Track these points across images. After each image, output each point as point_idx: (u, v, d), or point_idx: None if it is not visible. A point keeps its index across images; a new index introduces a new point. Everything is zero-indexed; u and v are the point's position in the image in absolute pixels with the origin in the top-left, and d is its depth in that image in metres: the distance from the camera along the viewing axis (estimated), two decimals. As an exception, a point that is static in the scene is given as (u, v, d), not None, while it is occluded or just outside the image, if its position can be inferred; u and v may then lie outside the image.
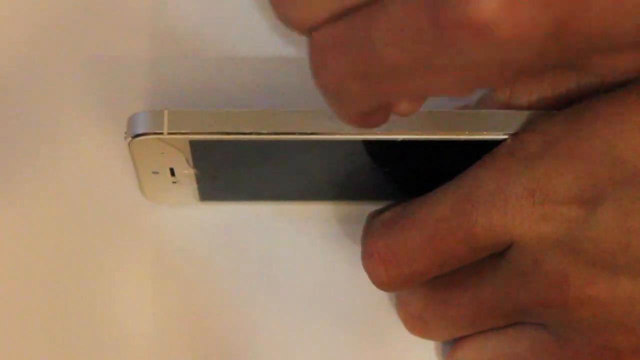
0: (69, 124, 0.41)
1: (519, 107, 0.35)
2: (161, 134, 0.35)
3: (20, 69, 0.42)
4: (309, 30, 0.30)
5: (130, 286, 0.39)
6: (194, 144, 0.35)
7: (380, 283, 0.36)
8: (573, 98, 0.35)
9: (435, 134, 0.35)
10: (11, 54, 0.42)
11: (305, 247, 0.40)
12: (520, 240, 0.34)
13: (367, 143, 0.35)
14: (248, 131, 0.35)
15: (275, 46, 0.42)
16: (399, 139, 0.35)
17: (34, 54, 0.42)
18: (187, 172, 0.37)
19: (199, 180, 0.38)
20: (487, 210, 0.34)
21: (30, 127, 0.41)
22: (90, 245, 0.40)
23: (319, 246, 0.40)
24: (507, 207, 0.33)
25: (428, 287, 0.36)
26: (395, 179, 0.38)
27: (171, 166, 0.37)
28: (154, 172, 0.37)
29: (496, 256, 0.35)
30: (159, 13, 0.43)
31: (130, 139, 0.35)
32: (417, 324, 0.37)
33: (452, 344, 0.38)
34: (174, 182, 0.38)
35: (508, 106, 0.36)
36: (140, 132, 0.35)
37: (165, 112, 0.35)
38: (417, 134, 0.35)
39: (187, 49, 0.42)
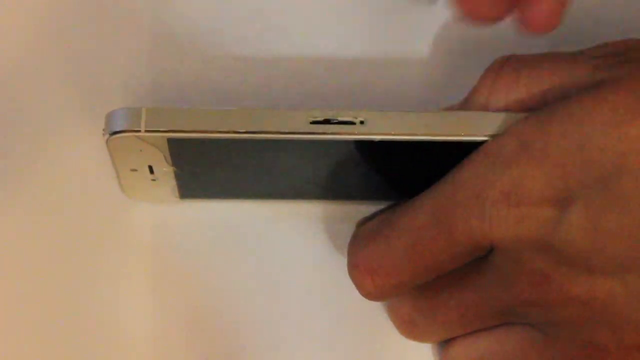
0: (63, 122, 0.41)
1: (497, 109, 0.35)
2: (138, 131, 0.35)
3: (16, 67, 0.42)
4: None
5: (121, 285, 0.39)
6: (171, 142, 0.35)
7: (368, 293, 0.36)
8: (548, 99, 0.35)
9: (412, 135, 0.35)
10: (7, 52, 0.42)
11: (299, 247, 0.40)
12: (499, 243, 0.34)
13: (345, 143, 0.35)
14: (226, 130, 0.35)
15: (274, 46, 0.42)
16: (377, 139, 0.35)
17: (31, 53, 0.42)
18: (165, 170, 0.37)
19: (178, 177, 0.38)
20: (466, 216, 0.34)
21: (17, 125, 0.41)
22: (79, 246, 0.40)
23: (313, 245, 0.40)
24: (484, 211, 0.33)
25: (416, 293, 0.37)
26: (376, 180, 0.38)
27: (150, 164, 0.37)
28: (133, 170, 0.37)
29: (480, 260, 0.35)
30: (157, 13, 0.43)
31: (107, 136, 0.35)
32: (408, 328, 0.38)
33: (445, 344, 0.38)
34: (153, 180, 0.38)
35: (486, 108, 0.36)
36: (118, 129, 0.35)
37: (143, 110, 0.35)
38: (394, 135, 0.35)
39: (186, 49, 0.42)
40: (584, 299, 0.33)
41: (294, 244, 0.40)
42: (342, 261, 0.38)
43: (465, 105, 0.36)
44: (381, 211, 0.39)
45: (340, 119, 0.35)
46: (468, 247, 0.34)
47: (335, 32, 0.43)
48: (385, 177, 0.38)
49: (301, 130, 0.35)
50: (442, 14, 0.42)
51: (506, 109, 0.35)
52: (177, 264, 0.39)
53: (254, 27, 0.42)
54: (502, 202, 0.33)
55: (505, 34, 0.42)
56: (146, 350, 0.38)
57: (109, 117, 0.35)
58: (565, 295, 0.33)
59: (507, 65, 0.36)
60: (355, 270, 0.36)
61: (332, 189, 0.39)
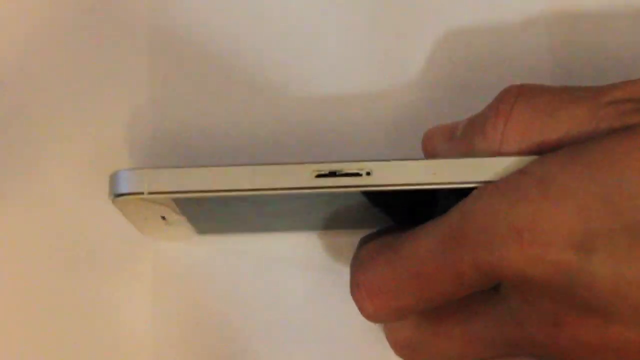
0: (64, 122, 0.41)
1: (509, 153, 0.34)
2: (142, 194, 0.34)
3: (15, 71, 0.42)
4: None
5: (122, 291, 0.40)
6: (177, 200, 0.35)
7: (368, 315, 0.35)
8: (565, 143, 0.33)
9: (420, 185, 0.34)
10: (8, 54, 0.42)
11: (301, 255, 0.40)
12: (509, 280, 0.33)
13: (351, 194, 0.34)
14: (230, 188, 0.34)
15: (276, 50, 0.42)
16: (384, 190, 0.34)
17: (32, 54, 0.42)
18: (177, 217, 0.37)
19: (192, 221, 0.37)
20: (473, 248, 0.32)
21: (17, 129, 0.41)
22: (87, 246, 0.40)
23: (315, 254, 0.40)
24: (493, 246, 0.32)
25: (419, 317, 0.36)
26: (382, 217, 0.37)
27: (161, 214, 0.36)
28: (146, 219, 0.37)
29: (490, 290, 0.34)
30: (158, 13, 0.42)
31: (113, 197, 0.35)
32: (405, 352, 0.37)
33: None
34: (168, 225, 0.37)
35: (497, 151, 0.34)
36: (122, 192, 0.34)
37: (145, 173, 0.34)
38: (401, 185, 0.34)
39: (186, 56, 0.42)
40: (596, 346, 0.32)
41: (296, 252, 0.40)
42: (344, 272, 0.38)
43: (473, 139, 0.35)
44: (385, 230, 0.38)
45: (346, 171, 0.34)
46: (474, 281, 0.33)
47: (336, 35, 0.41)
48: (392, 216, 0.37)
49: (307, 185, 0.34)
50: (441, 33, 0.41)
51: (518, 154, 0.34)
52: (193, 292, 0.40)
53: (254, 37, 0.41)
54: (514, 239, 0.32)
55: (507, 50, 0.40)
56: (146, 355, 0.39)
57: (113, 179, 0.35)
58: (577, 340, 0.32)
59: (519, 105, 0.34)
60: (357, 290, 0.35)
61: (338, 223, 0.38)
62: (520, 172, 0.33)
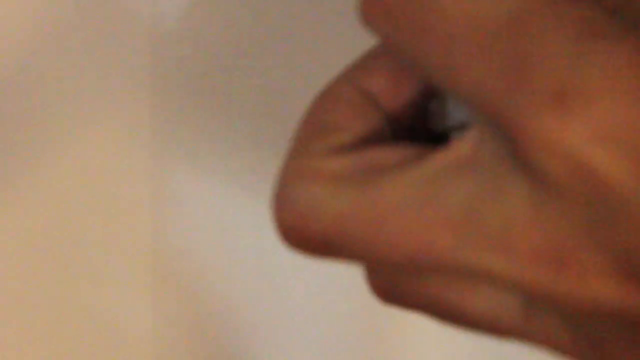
0: (64, 122, 0.40)
1: None
2: None
3: (15, 70, 0.41)
4: None
5: (129, 288, 0.39)
6: None
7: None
8: None
9: None
10: (9, 54, 0.41)
11: (301, 274, 0.39)
12: (531, 147, 0.20)
13: None
14: None
15: (278, 50, 0.41)
16: None
17: (33, 54, 0.41)
18: None
19: None
20: (491, 63, 0.20)
21: (25, 125, 0.40)
22: (87, 246, 0.40)
23: (314, 271, 0.39)
24: (525, 85, 0.20)
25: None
26: None
27: None
28: None
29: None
30: (158, 16, 0.41)
31: None
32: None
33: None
34: None
35: None
36: None
37: None
38: None
39: (187, 53, 0.41)
40: None
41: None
42: (346, 274, 0.38)
43: None
44: None
45: None
46: (477, 98, 0.21)
47: (339, 31, 0.41)
48: None
49: None
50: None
51: None
52: (196, 268, 0.39)
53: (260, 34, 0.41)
54: (565, 97, 0.19)
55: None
56: (146, 352, 0.39)
57: None
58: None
59: None
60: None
61: None
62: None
